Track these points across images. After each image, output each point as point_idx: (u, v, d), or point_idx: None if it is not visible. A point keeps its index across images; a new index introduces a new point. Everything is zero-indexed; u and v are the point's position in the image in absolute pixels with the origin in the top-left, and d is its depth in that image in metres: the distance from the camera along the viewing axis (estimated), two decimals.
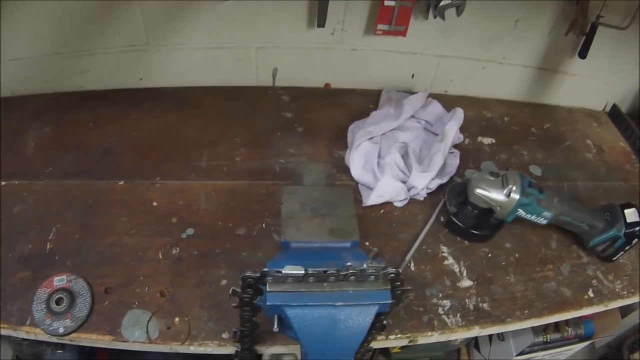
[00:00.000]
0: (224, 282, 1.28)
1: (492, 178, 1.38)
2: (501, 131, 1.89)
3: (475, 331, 1.31)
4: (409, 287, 1.07)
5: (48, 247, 1.32)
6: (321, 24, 1.62)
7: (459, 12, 1.61)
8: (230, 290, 1.02)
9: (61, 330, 1.17)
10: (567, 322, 1.87)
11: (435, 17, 1.63)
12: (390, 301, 1.02)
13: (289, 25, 1.74)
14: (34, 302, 1.19)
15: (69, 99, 1.76)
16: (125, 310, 1.21)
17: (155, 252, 1.33)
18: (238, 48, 1.79)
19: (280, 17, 1.71)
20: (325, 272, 0.98)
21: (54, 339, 1.19)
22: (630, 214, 1.41)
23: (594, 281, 1.45)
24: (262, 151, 1.65)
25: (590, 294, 1.42)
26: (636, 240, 1.41)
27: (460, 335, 1.31)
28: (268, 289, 0.98)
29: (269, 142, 1.68)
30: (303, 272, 0.97)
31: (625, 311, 1.76)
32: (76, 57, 1.72)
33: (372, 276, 1.01)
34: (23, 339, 1.33)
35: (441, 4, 1.57)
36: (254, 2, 1.64)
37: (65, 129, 1.65)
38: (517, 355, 1.88)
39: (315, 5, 1.61)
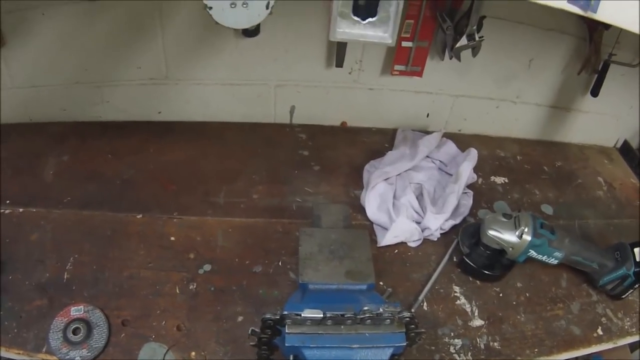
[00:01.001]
0: (240, 318, 1.29)
1: (504, 219, 1.39)
2: (514, 170, 1.90)
3: None
4: (423, 330, 1.09)
5: (65, 276, 1.33)
6: (339, 64, 1.63)
7: (475, 53, 1.63)
8: (250, 331, 1.04)
9: None
10: (576, 357, 1.86)
11: (451, 57, 1.64)
12: (404, 344, 1.04)
13: (308, 64, 1.76)
14: (51, 331, 1.20)
15: (88, 129, 1.78)
16: (141, 342, 1.22)
17: (173, 286, 1.34)
18: (257, 85, 1.81)
19: (299, 55, 1.73)
20: (342, 315, 1.01)
21: None
22: None
23: (603, 319, 1.45)
24: (280, 189, 1.66)
25: (600, 331, 1.42)
26: None
27: None
28: (287, 331, 1.01)
29: (286, 180, 1.70)
30: (321, 315, 0.99)
31: (634, 346, 1.76)
32: (96, 87, 1.74)
33: (388, 320, 1.03)
34: None
35: (457, 45, 1.59)
36: (274, 40, 1.67)
37: (83, 158, 1.68)
38: None
39: (334, 46, 1.62)
